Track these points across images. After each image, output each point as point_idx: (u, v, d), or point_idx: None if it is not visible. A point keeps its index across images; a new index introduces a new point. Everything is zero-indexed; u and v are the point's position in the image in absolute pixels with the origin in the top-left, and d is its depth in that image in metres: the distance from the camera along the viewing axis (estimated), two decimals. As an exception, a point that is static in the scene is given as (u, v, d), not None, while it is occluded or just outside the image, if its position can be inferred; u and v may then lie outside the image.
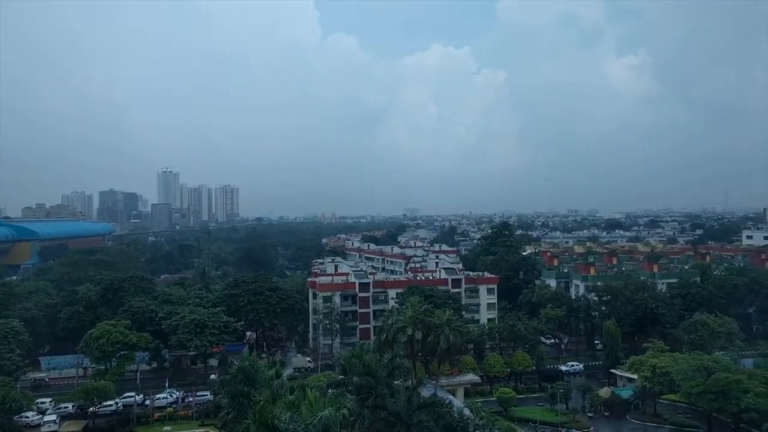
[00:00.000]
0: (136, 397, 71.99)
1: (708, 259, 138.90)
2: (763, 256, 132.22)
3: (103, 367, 78.35)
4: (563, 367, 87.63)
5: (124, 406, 70.66)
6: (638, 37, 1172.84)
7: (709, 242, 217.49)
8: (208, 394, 69.33)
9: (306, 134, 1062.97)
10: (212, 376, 76.69)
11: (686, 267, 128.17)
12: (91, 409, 67.39)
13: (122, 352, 78.52)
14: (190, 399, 70.38)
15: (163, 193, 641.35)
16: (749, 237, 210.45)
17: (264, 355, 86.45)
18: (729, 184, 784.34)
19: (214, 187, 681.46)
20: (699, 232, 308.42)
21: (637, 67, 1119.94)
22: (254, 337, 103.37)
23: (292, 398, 33.70)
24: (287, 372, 70.67)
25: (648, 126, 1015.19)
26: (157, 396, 72.11)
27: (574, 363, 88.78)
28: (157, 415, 67.53)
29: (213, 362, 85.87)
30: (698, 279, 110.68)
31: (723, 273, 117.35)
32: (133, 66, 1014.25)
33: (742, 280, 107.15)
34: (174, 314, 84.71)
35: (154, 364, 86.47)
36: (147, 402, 70.67)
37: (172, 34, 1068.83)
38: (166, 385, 76.69)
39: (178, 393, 73.33)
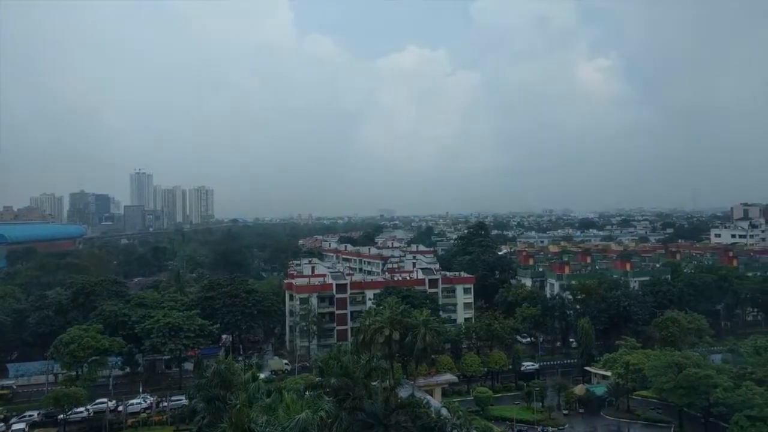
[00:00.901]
0: (109, 403, 70.53)
1: (678, 257, 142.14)
2: (731, 254, 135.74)
3: (74, 373, 76.58)
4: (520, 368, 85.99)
5: (96, 412, 69.15)
6: (609, 40, 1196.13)
7: (679, 241, 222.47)
8: (183, 398, 68.34)
9: (282, 135, 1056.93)
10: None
11: (657, 265, 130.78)
12: (61, 416, 65.80)
13: (94, 358, 76.79)
14: (165, 404, 69.26)
15: (136, 194, 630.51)
16: (717, 235, 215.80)
17: (240, 358, 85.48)
18: (698, 183, 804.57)
19: (188, 188, 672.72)
20: (669, 231, 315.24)
21: (608, 70, 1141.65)
22: (230, 340, 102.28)
23: (268, 401, 33.45)
24: (264, 375, 70.02)
25: (619, 127, 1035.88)
26: (131, 401, 70.77)
27: (530, 363, 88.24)
28: (130, 421, 66.28)
29: (188, 366, 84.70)
30: (669, 277, 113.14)
31: (692, 271, 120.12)
32: (105, 68, 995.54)
33: (711, 277, 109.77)
34: (148, 318, 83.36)
35: (128, 369, 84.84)
36: (120, 408, 69.31)
37: (145, 36, 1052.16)
38: (140, 390, 75.32)
39: (151, 398, 72.08)
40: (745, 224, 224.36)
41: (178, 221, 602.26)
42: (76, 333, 76.19)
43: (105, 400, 71.32)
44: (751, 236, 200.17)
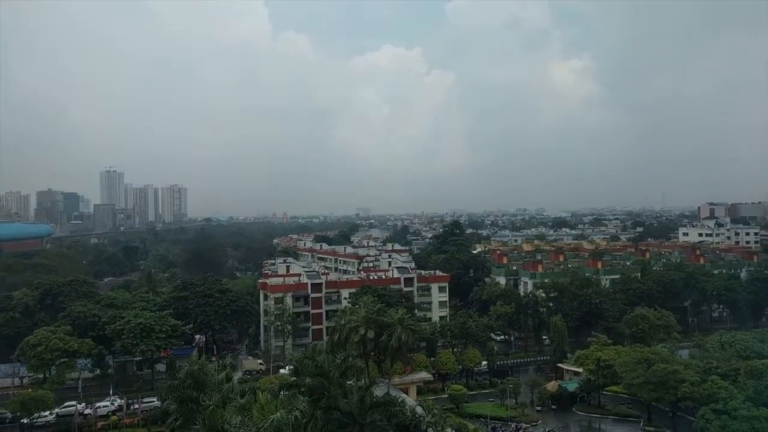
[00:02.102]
0: (78, 406, 69.00)
1: (647, 255, 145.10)
2: (698, 252, 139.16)
3: (42, 375, 74.78)
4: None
5: (63, 416, 67.54)
6: (582, 41, 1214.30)
7: (649, 239, 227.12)
8: (156, 400, 67.26)
9: (257, 133, 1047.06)
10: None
11: (628, 263, 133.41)
12: (24, 420, 64.08)
13: (62, 360, 75.02)
14: (136, 406, 68.08)
15: (106, 193, 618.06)
16: (685, 234, 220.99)
17: (214, 359, 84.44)
18: (667, 184, 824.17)
19: (160, 187, 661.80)
20: (639, 229, 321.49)
21: (581, 71, 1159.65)
22: (203, 340, 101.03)
23: (242, 402, 33.16)
24: (238, 375, 69.27)
25: (591, 128, 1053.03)
26: (100, 404, 69.36)
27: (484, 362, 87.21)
28: (100, 424, 64.98)
29: (160, 367, 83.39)
30: (639, 275, 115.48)
31: (661, 269, 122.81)
32: (74, 63, 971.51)
33: (679, 275, 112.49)
34: (118, 318, 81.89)
35: (98, 371, 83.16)
36: (87, 411, 67.83)
37: (116, 31, 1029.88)
38: (110, 392, 73.90)
39: (121, 400, 70.74)
40: (711, 223, 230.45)
41: (151, 220, 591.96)
42: (44, 335, 74.39)
43: (74, 403, 69.74)
44: (717, 235, 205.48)
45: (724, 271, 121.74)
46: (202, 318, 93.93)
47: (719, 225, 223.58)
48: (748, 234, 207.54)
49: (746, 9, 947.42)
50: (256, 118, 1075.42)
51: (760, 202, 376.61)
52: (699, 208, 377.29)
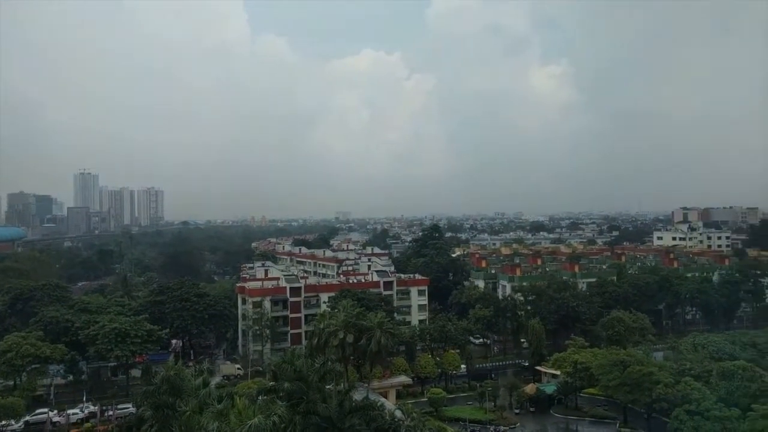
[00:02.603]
0: (50, 413, 67.43)
1: (623, 259, 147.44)
2: (671, 256, 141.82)
3: (12, 382, 72.92)
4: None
5: (33, 423, 65.91)
6: (560, 47, 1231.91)
7: (625, 243, 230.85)
8: (131, 406, 66.06)
9: (235, 137, 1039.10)
10: None
11: (604, 267, 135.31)
12: None
13: (34, 366, 73.34)
14: (110, 413, 66.80)
15: (80, 196, 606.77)
16: (659, 238, 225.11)
17: (191, 364, 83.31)
18: (642, 188, 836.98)
19: (137, 189, 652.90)
20: (615, 233, 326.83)
21: (559, 77, 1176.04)
22: (180, 345, 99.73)
23: (220, 407, 32.72)
24: (215, 380, 68.46)
25: (569, 133, 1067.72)
26: (72, 411, 67.88)
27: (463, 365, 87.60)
28: (73, 431, 63.60)
29: (136, 373, 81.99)
30: (615, 278, 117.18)
31: (636, 272, 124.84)
32: (50, 62, 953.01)
33: (653, 278, 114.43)
34: (92, 323, 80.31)
35: (70, 378, 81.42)
36: (57, 419, 66.26)
37: (94, 32, 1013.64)
38: (83, 399, 72.38)
39: (94, 407, 69.30)
40: (684, 227, 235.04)
41: (126, 223, 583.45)
42: (14, 340, 72.57)
43: (45, 410, 68.17)
44: (690, 239, 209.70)
45: (697, 274, 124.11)
46: (178, 322, 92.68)
47: (692, 229, 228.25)
48: (719, 238, 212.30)
49: (721, 20, 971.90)
50: (235, 121, 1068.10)
51: (731, 207, 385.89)
52: (673, 212, 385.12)
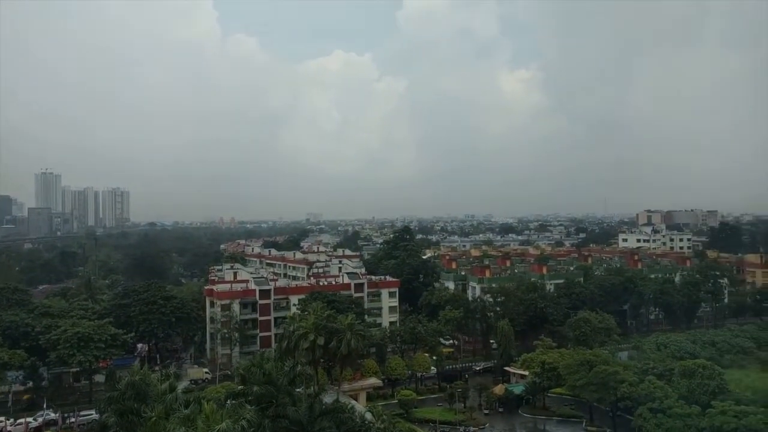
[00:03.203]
0: (7, 421, 65.16)
1: (590, 260, 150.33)
2: (636, 258, 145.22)
3: (-32, 390, 70.28)
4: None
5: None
6: (530, 52, 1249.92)
7: (591, 245, 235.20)
8: (94, 413, 64.38)
9: (204, 136, 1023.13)
10: None
11: (571, 268, 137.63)
12: None
13: (-9, 372, 70.86)
14: (72, 420, 64.95)
15: (42, 196, 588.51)
16: (624, 240, 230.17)
17: (157, 368, 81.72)
18: (608, 191, 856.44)
19: (101, 190, 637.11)
20: (582, 235, 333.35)
21: (528, 81, 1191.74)
22: (146, 349, 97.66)
23: (186, 412, 32.13)
24: (183, 385, 67.22)
25: (538, 136, 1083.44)
26: (31, 419, 65.72)
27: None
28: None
29: (100, 378, 79.92)
30: (582, 279, 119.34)
31: (602, 273, 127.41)
32: (7, 58, 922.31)
33: (619, 279, 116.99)
34: (54, 328, 78.02)
35: (30, 384, 78.89)
36: (10, 429, 64.04)
37: (58, 26, 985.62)
38: (44, 405, 70.18)
39: (54, 414, 67.23)
40: (648, 230, 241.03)
41: (90, 225, 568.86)
42: (-30, 346, 70.01)
43: (2, 418, 65.87)
44: (654, 241, 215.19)
45: (659, 275, 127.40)
46: (144, 326, 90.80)
47: (656, 231, 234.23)
48: (681, 240, 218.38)
49: (683, 30, 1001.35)
50: (204, 121, 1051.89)
51: (692, 210, 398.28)
52: (637, 215, 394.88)
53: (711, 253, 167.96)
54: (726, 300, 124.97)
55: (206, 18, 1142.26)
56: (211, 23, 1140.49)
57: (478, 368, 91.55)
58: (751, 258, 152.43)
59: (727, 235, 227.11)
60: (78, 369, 78.73)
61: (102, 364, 79.19)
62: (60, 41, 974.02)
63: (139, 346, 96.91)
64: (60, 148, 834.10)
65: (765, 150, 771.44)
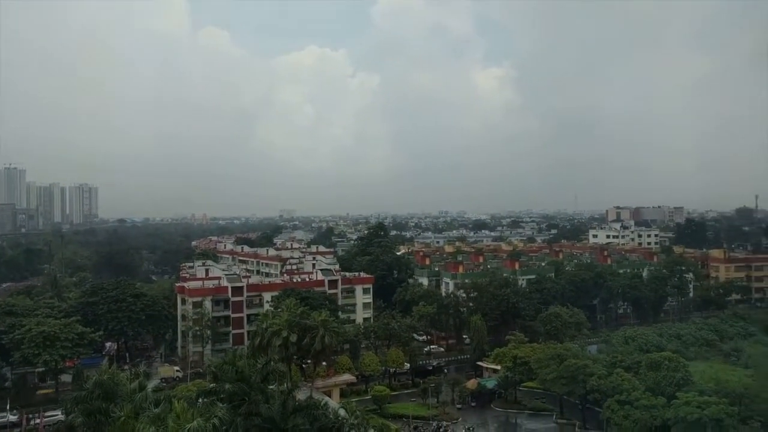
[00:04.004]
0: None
1: (561, 256, 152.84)
2: (605, 253, 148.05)
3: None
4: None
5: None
6: (502, 50, 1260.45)
7: (562, 241, 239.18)
8: (59, 413, 62.86)
9: (174, 130, 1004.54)
10: None
11: (543, 264, 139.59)
12: None
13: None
14: (37, 421, 63.36)
15: (5, 192, 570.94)
16: (594, 236, 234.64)
17: (126, 367, 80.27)
18: (578, 188, 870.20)
19: (68, 186, 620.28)
20: (554, 231, 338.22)
21: (501, 78, 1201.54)
22: (115, 347, 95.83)
23: (157, 411, 31.62)
24: (153, 383, 66.17)
25: (510, 133, 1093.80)
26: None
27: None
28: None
29: (66, 378, 78.08)
30: (553, 275, 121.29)
31: (573, 269, 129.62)
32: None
33: (589, 274, 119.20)
34: (18, 327, 75.93)
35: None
36: None
37: (19, 18, 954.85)
38: (7, 407, 68.26)
39: (14, 417, 65.41)
40: (617, 226, 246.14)
41: (57, 221, 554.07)
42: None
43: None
44: (623, 237, 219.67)
45: (628, 270, 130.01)
46: (113, 324, 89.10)
47: (624, 227, 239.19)
48: (649, 236, 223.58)
49: (652, 29, 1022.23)
50: (175, 115, 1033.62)
51: (659, 206, 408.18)
52: (607, 211, 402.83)
53: (677, 249, 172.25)
54: (691, 294, 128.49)
55: (176, 10, 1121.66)
56: (182, 16, 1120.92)
57: (433, 364, 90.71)
58: (715, 253, 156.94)
59: (693, 231, 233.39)
60: (43, 369, 76.85)
61: (69, 364, 77.38)
62: (22, 33, 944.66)
63: (108, 344, 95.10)
64: (24, 143, 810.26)
65: (729, 150, 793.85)
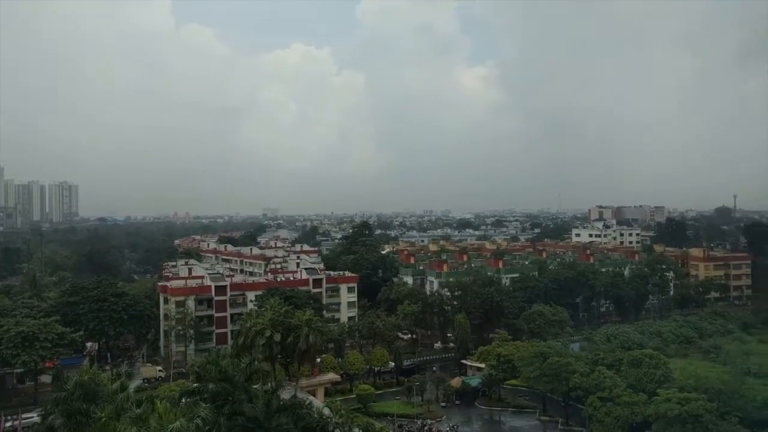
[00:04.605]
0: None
1: (544, 255, 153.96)
2: (588, 252, 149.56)
3: None
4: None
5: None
6: (487, 49, 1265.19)
7: (546, 240, 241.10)
8: (35, 415, 61.82)
9: (156, 129, 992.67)
10: None
11: (527, 262, 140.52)
12: None
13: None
14: (15, 422, 62.27)
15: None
16: (577, 235, 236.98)
17: (108, 368, 79.23)
18: (561, 187, 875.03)
19: (48, 183, 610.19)
20: (537, 230, 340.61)
21: (485, 78, 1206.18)
22: (96, 348, 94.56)
23: (138, 412, 31.21)
24: (135, 384, 65.43)
25: (495, 132, 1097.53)
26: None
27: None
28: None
29: (46, 379, 76.88)
30: (536, 273, 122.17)
31: (556, 267, 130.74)
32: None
33: (571, 273, 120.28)
34: (-4, 327, 74.47)
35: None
36: None
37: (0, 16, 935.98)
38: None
39: None
40: (600, 225, 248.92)
41: (36, 219, 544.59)
42: None
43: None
44: (605, 236, 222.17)
45: (610, 269, 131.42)
46: (94, 324, 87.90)
47: (606, 226, 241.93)
48: (630, 235, 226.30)
49: (637, 28, 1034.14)
50: (158, 113, 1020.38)
51: (641, 206, 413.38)
52: (590, 210, 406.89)
53: (658, 248, 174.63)
54: (671, 292, 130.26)
55: (159, 6, 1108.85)
56: (165, 12, 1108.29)
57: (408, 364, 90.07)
58: (695, 252, 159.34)
59: (673, 230, 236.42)
60: (22, 370, 75.58)
61: (49, 364, 76.19)
62: (3, 32, 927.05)
63: (89, 345, 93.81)
64: (2, 140, 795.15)
65: (711, 150, 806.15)
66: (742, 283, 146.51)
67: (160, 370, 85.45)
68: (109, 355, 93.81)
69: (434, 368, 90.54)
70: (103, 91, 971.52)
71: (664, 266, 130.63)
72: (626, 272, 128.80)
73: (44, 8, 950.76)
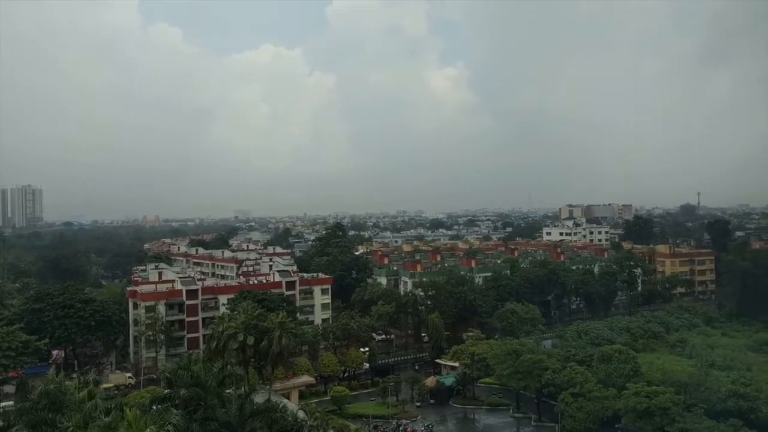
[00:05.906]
0: None
1: (516, 253, 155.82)
2: (558, 250, 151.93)
3: None
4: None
5: None
6: (457, 51, 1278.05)
7: (517, 239, 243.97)
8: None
9: (123, 129, 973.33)
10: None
11: (499, 261, 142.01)
12: None
13: None
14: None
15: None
16: (548, 233, 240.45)
17: (75, 376, 77.18)
18: (532, 187, 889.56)
19: (10, 187, 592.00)
20: (509, 229, 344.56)
21: (455, 79, 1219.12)
22: (62, 355, 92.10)
23: (107, 420, 30.47)
24: (103, 391, 63.93)
25: (466, 133, 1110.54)
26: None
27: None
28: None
29: (9, 389, 74.47)
30: (509, 272, 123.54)
31: (528, 266, 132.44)
32: None
33: (543, 271, 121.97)
34: (-44, 336, 71.90)
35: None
36: None
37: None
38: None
39: None
40: (570, 223, 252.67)
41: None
42: None
43: None
44: (575, 234, 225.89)
45: (580, 266, 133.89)
46: (60, 331, 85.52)
47: (576, 225, 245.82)
48: (600, 232, 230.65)
49: (602, 30, 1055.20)
50: (125, 114, 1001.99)
51: (610, 204, 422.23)
52: (560, 209, 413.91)
53: (626, 245, 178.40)
54: (639, 288, 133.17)
55: (125, 4, 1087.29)
56: (132, 10, 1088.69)
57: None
58: (661, 248, 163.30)
59: (640, 227, 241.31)
60: (-16, 380, 73.06)
61: (12, 374, 73.90)
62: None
63: (55, 352, 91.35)
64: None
65: (675, 148, 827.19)
66: (706, 278, 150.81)
67: (129, 377, 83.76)
68: (76, 362, 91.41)
69: (416, 367, 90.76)
70: (68, 90, 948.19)
71: (632, 263, 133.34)
72: (596, 269, 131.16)
73: (12, 1, 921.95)
